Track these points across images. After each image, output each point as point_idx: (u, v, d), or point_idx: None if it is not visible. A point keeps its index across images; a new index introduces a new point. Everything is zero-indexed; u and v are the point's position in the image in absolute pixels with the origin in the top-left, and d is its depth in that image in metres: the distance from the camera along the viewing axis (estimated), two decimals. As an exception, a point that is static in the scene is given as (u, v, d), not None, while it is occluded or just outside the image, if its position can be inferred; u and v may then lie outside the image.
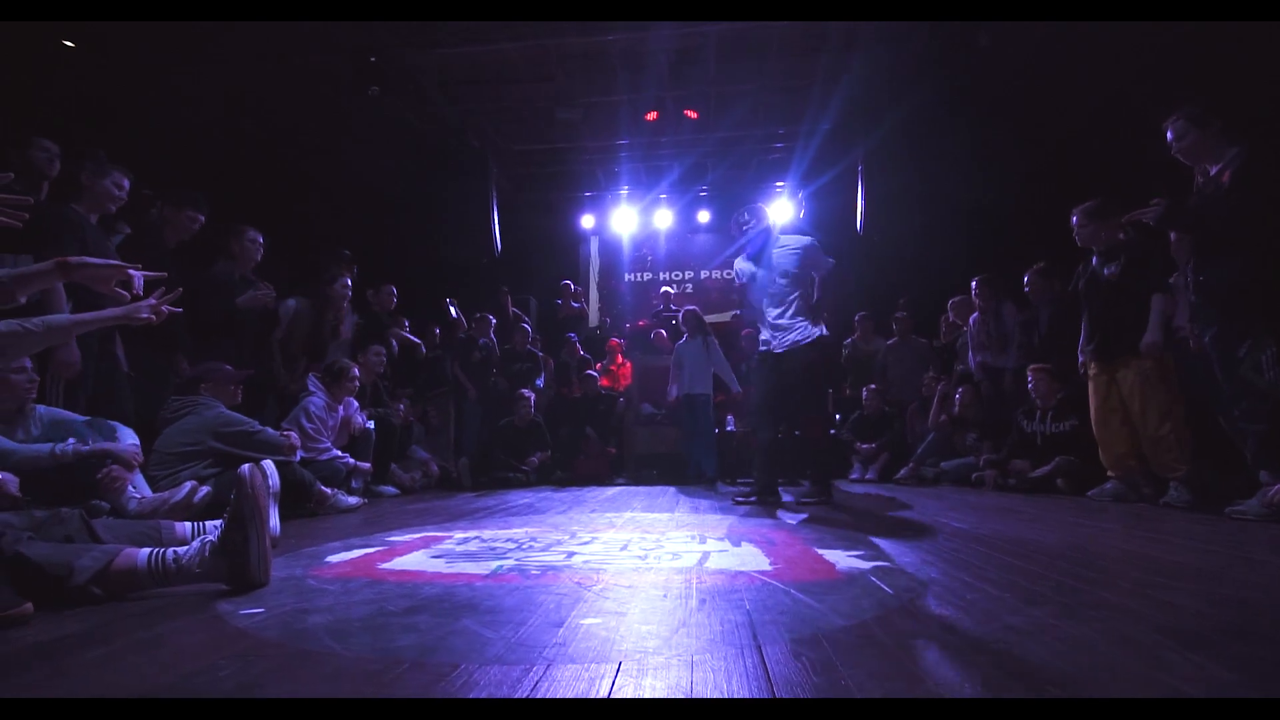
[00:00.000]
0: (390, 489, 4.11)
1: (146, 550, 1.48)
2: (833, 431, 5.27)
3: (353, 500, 3.31)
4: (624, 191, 8.74)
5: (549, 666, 0.96)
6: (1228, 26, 2.91)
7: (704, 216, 8.84)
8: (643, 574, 1.62)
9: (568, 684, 0.90)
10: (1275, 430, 2.39)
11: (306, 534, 2.45)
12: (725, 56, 6.21)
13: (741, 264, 3.54)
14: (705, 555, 1.85)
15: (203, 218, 3.12)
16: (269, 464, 1.96)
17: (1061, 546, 1.94)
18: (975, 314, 4.70)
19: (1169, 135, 2.66)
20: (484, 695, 0.87)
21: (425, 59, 5.95)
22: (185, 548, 1.51)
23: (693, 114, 6.98)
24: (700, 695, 0.85)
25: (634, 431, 5.47)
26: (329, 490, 3.18)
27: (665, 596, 1.38)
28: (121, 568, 1.44)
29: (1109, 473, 3.36)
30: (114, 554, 1.45)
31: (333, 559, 1.93)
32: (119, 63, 4.02)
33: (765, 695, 0.85)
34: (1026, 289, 4.28)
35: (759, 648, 1.03)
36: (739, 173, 8.29)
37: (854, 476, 4.79)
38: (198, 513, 2.58)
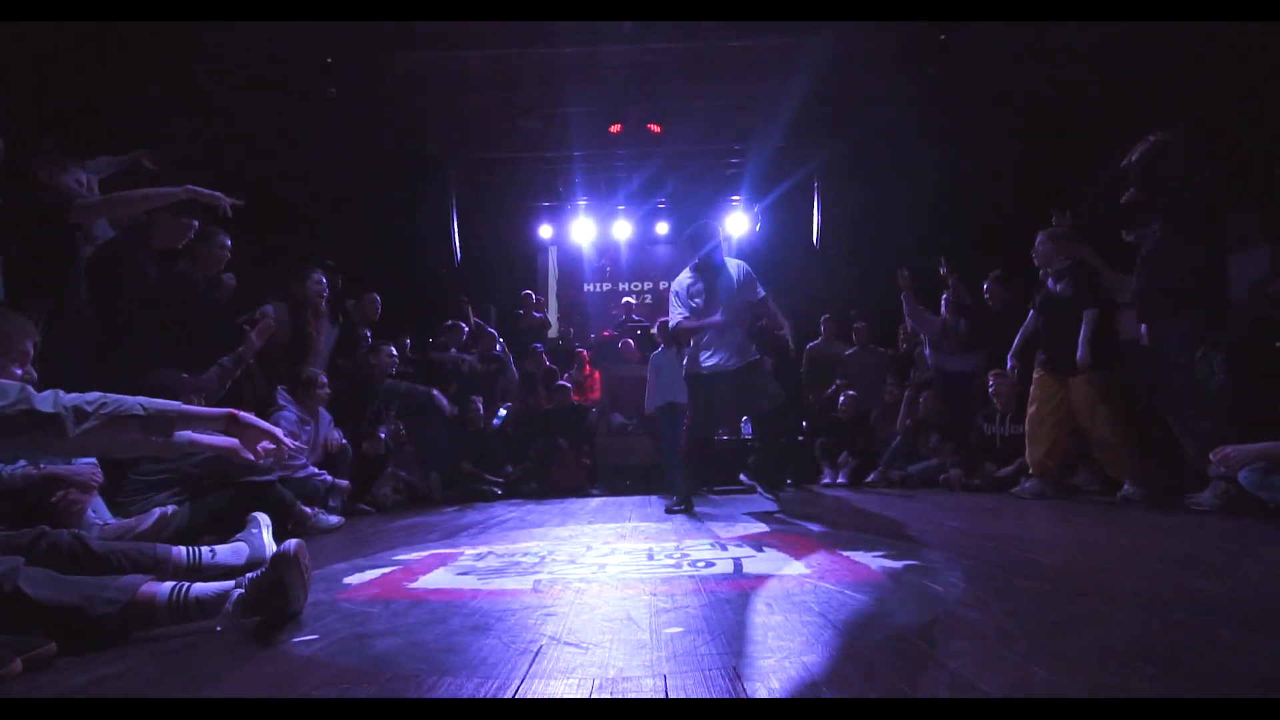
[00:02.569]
0: (366, 507, 3.93)
1: (169, 585, 1.36)
2: (801, 438, 5.42)
3: (334, 520, 3.15)
4: (582, 202, 8.74)
5: (667, 677, 0.96)
6: (1181, 33, 3.23)
7: (662, 228, 8.95)
8: (688, 582, 1.62)
9: (698, 691, 0.90)
10: (1224, 427, 2.64)
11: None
12: (689, 73, 6.34)
13: (691, 276, 3.49)
14: (737, 561, 1.87)
15: (197, 224, 2.92)
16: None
17: (1062, 541, 2.08)
18: (943, 308, 4.84)
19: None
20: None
21: (388, 63, 5.80)
22: (206, 587, 1.38)
23: (656, 128, 7.08)
24: (836, 692, 0.87)
25: (606, 442, 5.45)
26: (309, 510, 3.02)
27: (729, 603, 1.39)
28: (141, 603, 1.32)
29: (1030, 471, 3.62)
30: (134, 589, 1.32)
31: (350, 580, 1.84)
32: (73, 63, 3.72)
33: (898, 693, 0.87)
34: (986, 296, 4.54)
35: (857, 648, 1.06)
36: (697, 186, 8.46)
37: (825, 481, 4.94)
38: (172, 538, 2.41)
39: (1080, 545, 2.01)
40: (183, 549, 1.91)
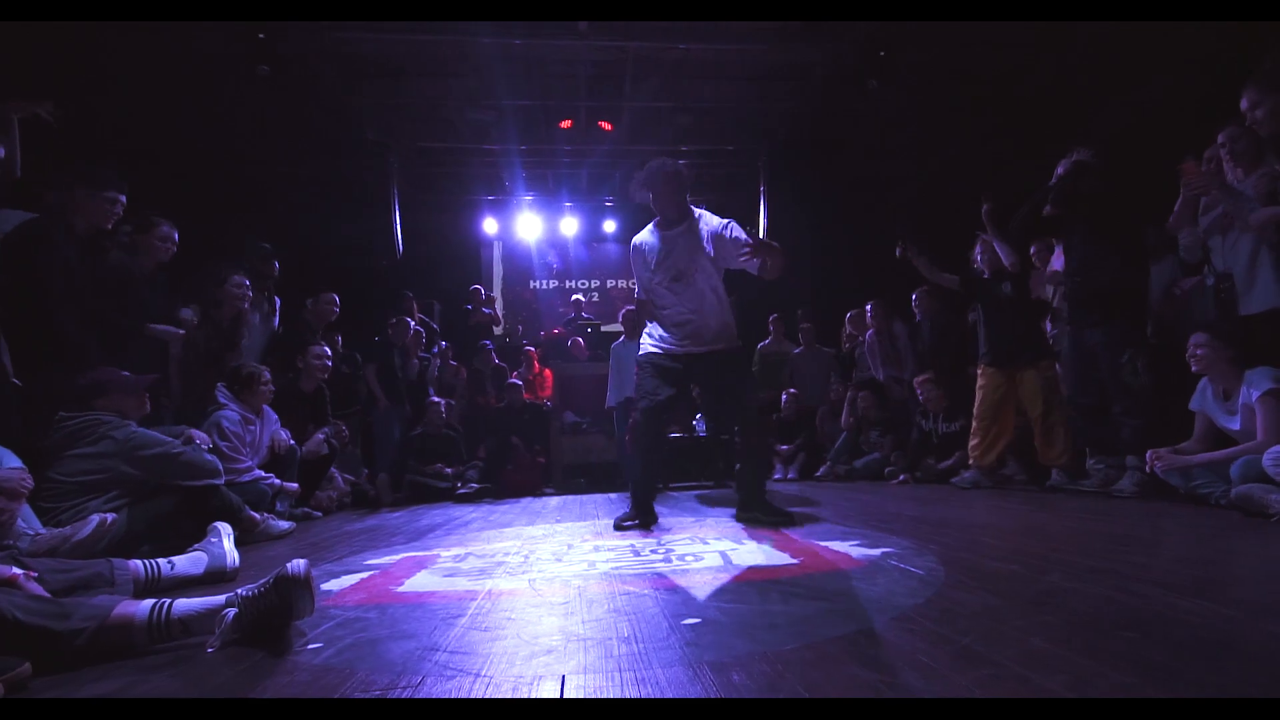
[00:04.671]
0: (315, 512, 3.75)
1: (147, 604, 1.27)
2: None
3: (284, 525, 2.98)
4: (528, 198, 8.63)
5: (709, 668, 0.99)
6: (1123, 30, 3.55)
7: (610, 226, 8.96)
8: (684, 576, 1.66)
9: (747, 682, 0.93)
10: (1147, 424, 2.93)
11: (263, 564, 2.20)
12: (641, 73, 6.38)
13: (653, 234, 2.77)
14: (724, 555, 1.93)
15: (124, 199, 2.68)
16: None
17: (1012, 526, 2.25)
18: (870, 330, 5.20)
19: None
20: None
21: (328, 46, 5.53)
22: (188, 606, 1.28)
23: (607, 125, 7.08)
24: (873, 672, 0.93)
25: (559, 441, 5.41)
26: (257, 515, 2.86)
27: (733, 594, 1.44)
28: (116, 625, 1.22)
29: (970, 462, 3.90)
30: (107, 610, 1.23)
31: (329, 587, 1.77)
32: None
33: (922, 672, 0.94)
34: (915, 307, 4.84)
35: (871, 630, 1.13)
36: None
37: (777, 476, 5.10)
38: (108, 548, 2.22)
39: (1029, 529, 2.19)
40: (139, 563, 1.78)
